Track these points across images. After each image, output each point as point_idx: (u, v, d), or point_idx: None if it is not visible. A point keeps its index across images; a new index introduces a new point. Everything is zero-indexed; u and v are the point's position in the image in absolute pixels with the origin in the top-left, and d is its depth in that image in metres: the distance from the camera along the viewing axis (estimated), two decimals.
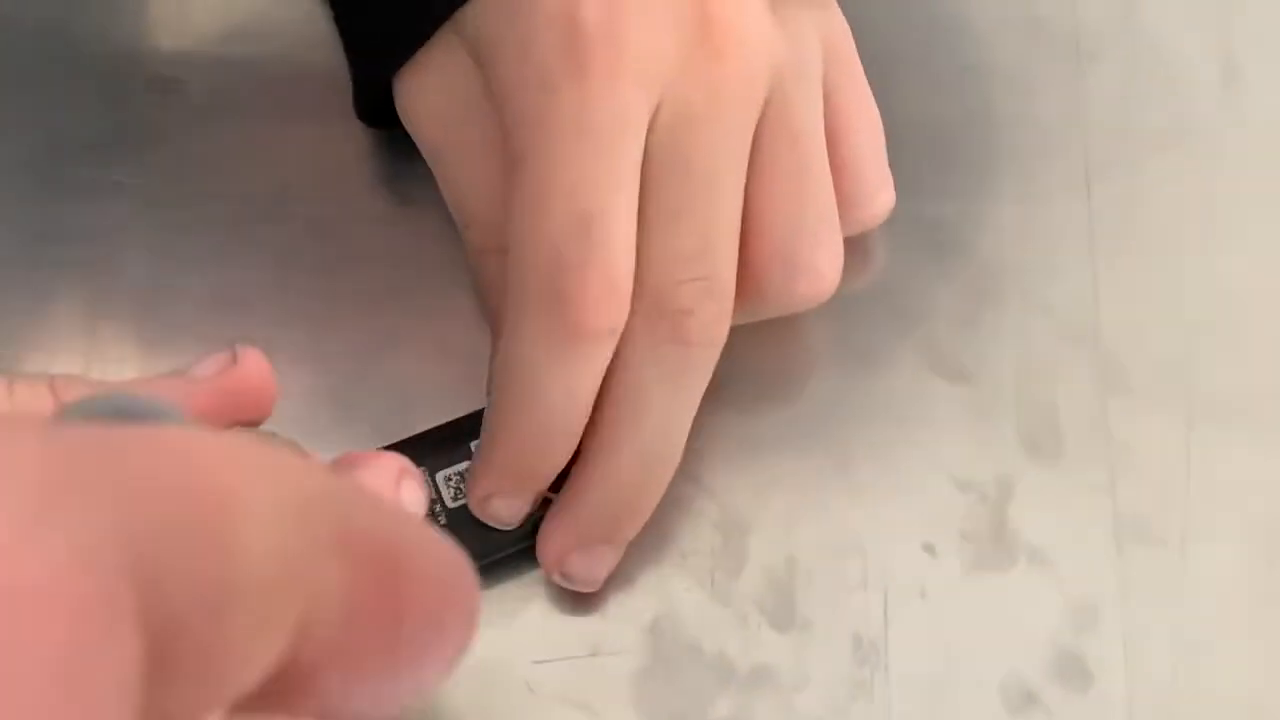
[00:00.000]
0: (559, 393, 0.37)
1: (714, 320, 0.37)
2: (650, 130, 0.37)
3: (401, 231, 0.43)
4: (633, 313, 0.37)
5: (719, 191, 0.37)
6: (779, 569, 0.39)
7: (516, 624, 0.39)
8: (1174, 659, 0.38)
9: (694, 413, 0.38)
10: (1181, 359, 0.41)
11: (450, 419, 0.39)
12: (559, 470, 0.38)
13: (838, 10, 0.41)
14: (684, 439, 0.38)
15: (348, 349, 0.41)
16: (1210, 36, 0.45)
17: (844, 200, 0.40)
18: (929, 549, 0.40)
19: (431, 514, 0.39)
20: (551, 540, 0.38)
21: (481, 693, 0.38)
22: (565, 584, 0.39)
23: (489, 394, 0.38)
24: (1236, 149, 0.44)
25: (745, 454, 0.41)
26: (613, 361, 0.37)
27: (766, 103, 0.38)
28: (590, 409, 0.38)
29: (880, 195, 0.41)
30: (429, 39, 0.39)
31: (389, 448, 0.39)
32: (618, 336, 0.37)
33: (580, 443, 0.38)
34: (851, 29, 0.41)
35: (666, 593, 0.39)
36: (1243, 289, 0.42)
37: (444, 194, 0.40)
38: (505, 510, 0.38)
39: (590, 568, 0.38)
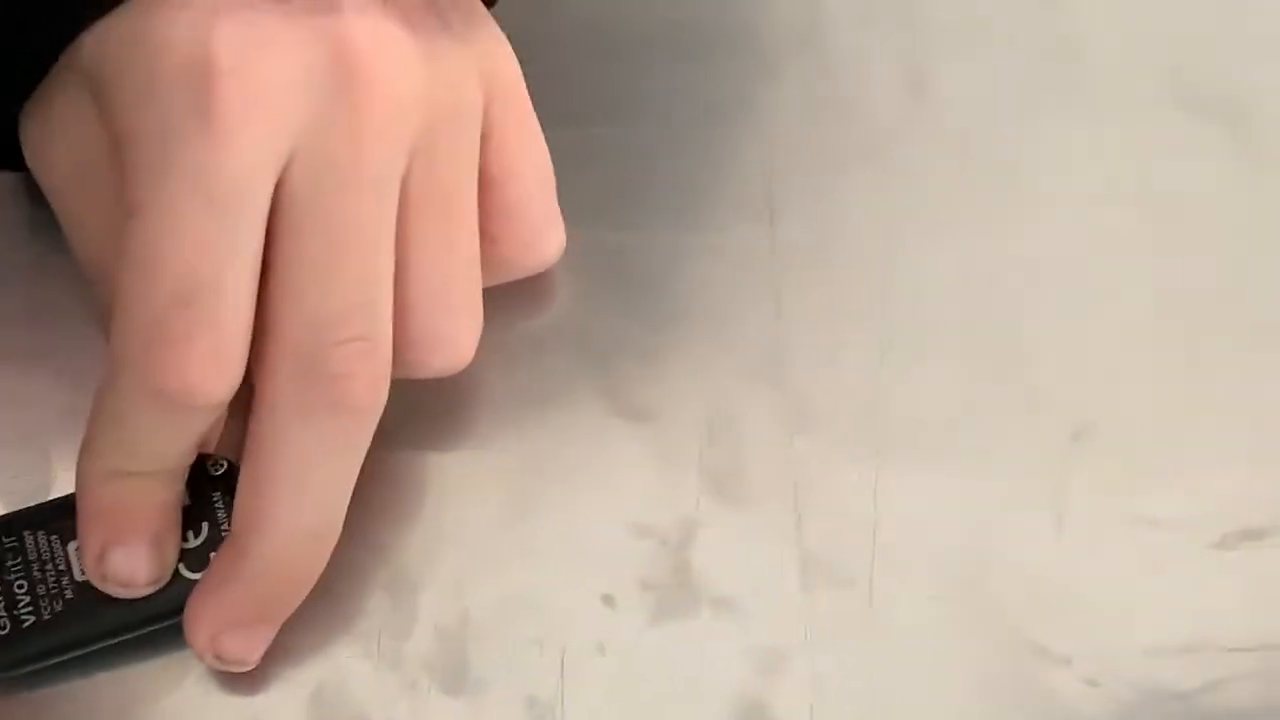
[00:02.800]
0: (152, 448, 0.35)
1: (374, 383, 0.35)
2: (283, 184, 0.34)
3: (48, 286, 0.39)
4: (282, 379, 0.34)
5: (370, 247, 0.35)
6: (451, 628, 0.37)
7: (169, 701, 0.36)
8: (862, 706, 0.37)
9: (355, 478, 0.36)
10: (868, 390, 0.40)
11: None
12: (165, 512, 0.36)
13: (503, 40, 0.38)
14: (345, 506, 0.36)
15: None
16: (894, 43, 0.43)
17: (512, 244, 0.38)
18: (608, 600, 0.37)
19: (59, 587, 0.36)
20: (200, 622, 0.35)
21: None
22: (218, 666, 0.36)
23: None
24: (928, 164, 0.42)
25: (413, 507, 0.38)
26: (263, 430, 0.35)
27: (414, 155, 0.35)
28: (190, 455, 0.35)
29: (549, 236, 0.39)
30: (44, 76, 0.36)
31: (18, 514, 0.36)
32: (222, 408, 0.34)
33: (233, 517, 0.35)
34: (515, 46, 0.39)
35: (330, 660, 0.37)
36: (930, 313, 0.41)
37: (70, 247, 0.37)
38: (127, 564, 0.35)
39: (245, 648, 0.36)
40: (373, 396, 0.35)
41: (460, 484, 0.38)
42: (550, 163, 0.39)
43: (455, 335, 0.36)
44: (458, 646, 0.37)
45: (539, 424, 0.39)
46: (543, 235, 0.38)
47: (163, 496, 0.36)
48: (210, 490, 0.36)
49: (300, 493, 0.35)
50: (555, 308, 0.40)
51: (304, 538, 0.35)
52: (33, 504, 0.37)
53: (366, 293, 0.35)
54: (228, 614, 0.35)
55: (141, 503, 0.35)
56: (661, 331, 0.40)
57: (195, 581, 0.36)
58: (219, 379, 0.33)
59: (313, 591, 0.36)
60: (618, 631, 0.37)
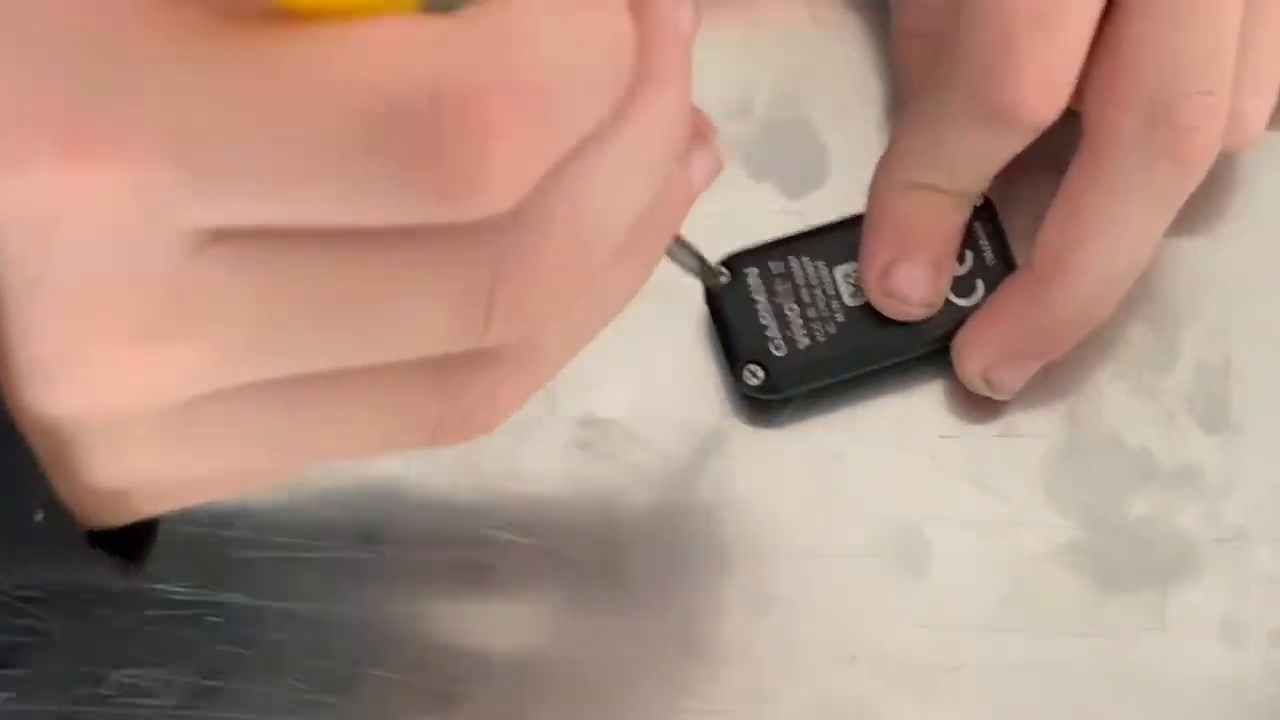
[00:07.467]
0: (962, 164, 0.35)
1: (1214, 142, 0.34)
2: None
3: None
4: (1127, 121, 0.34)
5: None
6: (1213, 369, 0.37)
7: (922, 395, 0.37)
8: None
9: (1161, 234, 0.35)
10: None
11: (854, 213, 0.37)
12: (950, 235, 0.36)
13: None
14: (1149, 259, 0.36)
15: None
16: None
17: None
18: None
19: (829, 311, 0.37)
20: (978, 350, 0.36)
21: (881, 461, 0.36)
22: (982, 391, 0.36)
23: None
24: None
25: (1178, 253, 0.38)
26: (1094, 168, 0.35)
27: None
28: (988, 181, 0.36)
29: None
30: None
31: (781, 242, 0.37)
32: (1036, 134, 0.34)
33: (1036, 251, 0.35)
34: None
35: (1088, 380, 0.37)
36: None
37: None
38: (908, 282, 0.36)
39: (1015, 380, 0.36)
40: (1210, 155, 0.35)
41: (1225, 239, 0.38)
42: None
43: (1253, 114, 0.36)
44: (1219, 386, 0.37)
45: None
46: None
47: (952, 219, 0.36)
48: (971, 221, 0.37)
49: (1117, 237, 0.35)
50: None
51: (1106, 283, 0.35)
52: (800, 231, 0.37)
53: (1223, 45, 0.34)
54: (1008, 347, 0.36)
55: (932, 221, 0.36)
56: None
57: (961, 307, 0.36)
58: (1051, 103, 0.34)
59: None
60: None
